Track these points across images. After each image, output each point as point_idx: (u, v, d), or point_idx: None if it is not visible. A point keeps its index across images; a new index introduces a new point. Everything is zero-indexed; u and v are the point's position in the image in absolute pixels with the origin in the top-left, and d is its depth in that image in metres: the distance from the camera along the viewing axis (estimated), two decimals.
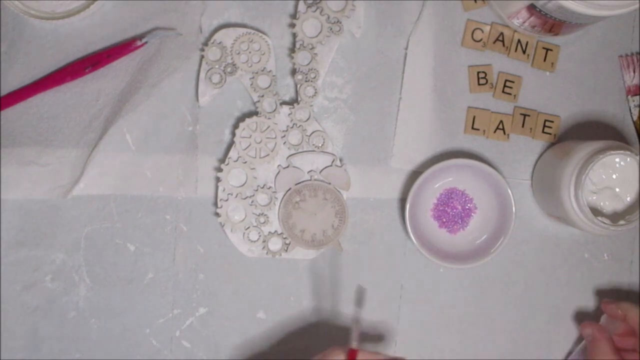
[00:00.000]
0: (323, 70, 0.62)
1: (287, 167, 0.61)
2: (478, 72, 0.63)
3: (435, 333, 0.63)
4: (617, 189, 0.57)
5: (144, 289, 0.62)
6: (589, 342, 0.58)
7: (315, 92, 0.61)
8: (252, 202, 0.61)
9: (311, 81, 0.61)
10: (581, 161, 0.56)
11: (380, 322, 0.63)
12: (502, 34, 0.63)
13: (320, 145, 0.62)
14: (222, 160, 0.61)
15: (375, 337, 0.63)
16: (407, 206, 0.59)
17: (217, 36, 0.61)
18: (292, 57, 0.61)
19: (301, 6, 0.61)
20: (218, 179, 0.61)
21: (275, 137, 0.61)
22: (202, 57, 0.61)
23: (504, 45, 0.63)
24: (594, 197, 0.58)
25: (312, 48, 0.61)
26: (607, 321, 0.61)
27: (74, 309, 0.62)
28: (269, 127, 0.61)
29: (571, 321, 0.64)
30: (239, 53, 0.61)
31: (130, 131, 0.62)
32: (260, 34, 0.61)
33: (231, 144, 0.61)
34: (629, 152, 0.56)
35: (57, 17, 0.60)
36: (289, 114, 0.61)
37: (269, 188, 0.61)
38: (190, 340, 0.62)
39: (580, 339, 0.63)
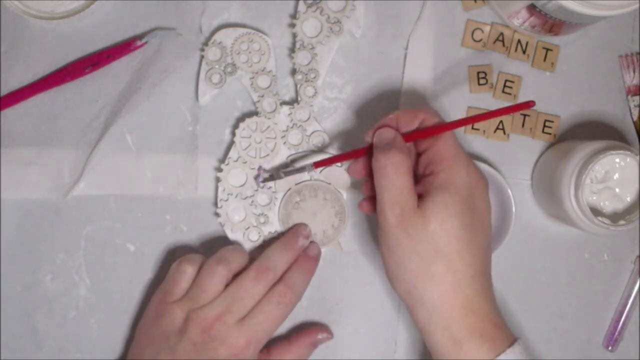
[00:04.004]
0: (323, 70, 0.62)
1: None
2: (478, 72, 0.63)
3: None
4: (617, 189, 0.57)
5: (144, 289, 0.62)
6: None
7: (315, 92, 0.61)
8: (252, 202, 0.61)
9: (311, 81, 0.61)
10: (581, 161, 0.56)
11: (381, 322, 0.63)
12: (502, 34, 0.63)
13: (320, 145, 0.62)
14: (222, 160, 0.61)
15: None
16: None
17: (217, 36, 0.61)
18: (292, 57, 0.61)
19: (301, 6, 0.61)
20: (218, 179, 0.61)
21: (275, 137, 0.61)
22: (202, 57, 0.61)
23: (504, 45, 0.63)
24: (594, 197, 0.57)
25: (312, 48, 0.61)
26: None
27: (74, 309, 0.62)
28: (269, 127, 0.61)
29: (571, 321, 0.64)
30: (239, 53, 0.61)
31: (130, 131, 0.62)
32: (260, 34, 0.61)
33: (231, 144, 0.61)
34: (629, 152, 0.55)
35: (57, 17, 0.60)
36: (289, 114, 0.61)
37: (269, 188, 0.61)
38: None
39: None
